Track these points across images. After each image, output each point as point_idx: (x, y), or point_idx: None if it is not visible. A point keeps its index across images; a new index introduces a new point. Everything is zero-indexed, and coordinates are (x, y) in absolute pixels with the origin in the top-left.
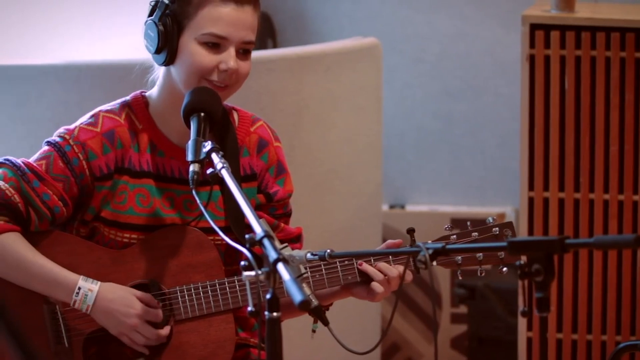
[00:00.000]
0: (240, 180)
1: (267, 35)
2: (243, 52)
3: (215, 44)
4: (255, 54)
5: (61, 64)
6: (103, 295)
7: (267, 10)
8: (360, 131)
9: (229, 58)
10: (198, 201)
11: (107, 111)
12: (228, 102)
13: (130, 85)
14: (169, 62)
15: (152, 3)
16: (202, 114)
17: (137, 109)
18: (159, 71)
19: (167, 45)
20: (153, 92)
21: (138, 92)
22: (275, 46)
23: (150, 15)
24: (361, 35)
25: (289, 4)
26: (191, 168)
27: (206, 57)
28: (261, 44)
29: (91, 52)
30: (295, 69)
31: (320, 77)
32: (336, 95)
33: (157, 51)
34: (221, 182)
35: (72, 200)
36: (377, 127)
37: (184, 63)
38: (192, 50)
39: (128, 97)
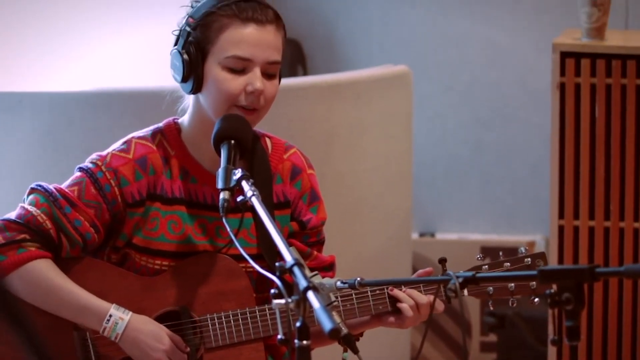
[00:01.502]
0: (273, 207)
1: (297, 62)
2: (269, 74)
3: (240, 67)
4: (285, 81)
5: (92, 90)
6: (134, 325)
7: (297, 37)
8: (391, 159)
9: (254, 79)
10: (228, 229)
11: (139, 137)
12: (259, 129)
13: (162, 111)
14: (196, 90)
15: (176, 32)
16: (232, 142)
17: (170, 135)
18: (189, 99)
19: (192, 73)
20: (185, 119)
21: (171, 118)
22: (305, 73)
23: (175, 44)
24: (392, 62)
25: (319, 30)
26: (221, 196)
27: (232, 82)
28: (291, 71)
29: (122, 78)
30: (326, 97)
31: (350, 104)
32: (366, 123)
33: (183, 80)
34: (252, 209)
35: (103, 227)
36: (407, 156)
37: (211, 90)
38: (216, 76)
39: (161, 124)
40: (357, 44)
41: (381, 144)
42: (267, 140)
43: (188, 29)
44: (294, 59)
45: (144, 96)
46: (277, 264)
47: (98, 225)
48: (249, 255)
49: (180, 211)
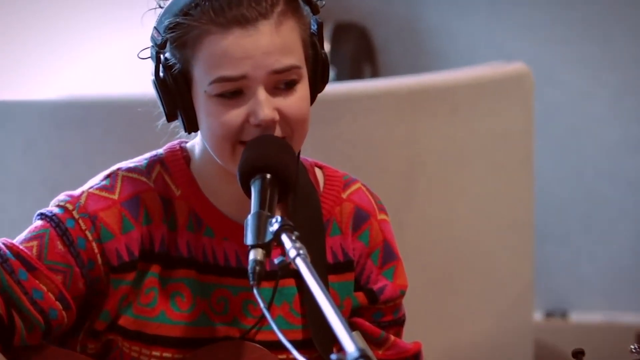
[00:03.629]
0: (327, 270)
1: (364, 58)
2: (285, 85)
3: (232, 89)
4: (347, 87)
5: (61, 99)
6: None
7: (363, 23)
8: (502, 199)
9: (257, 106)
10: (261, 304)
11: (129, 170)
12: (307, 154)
13: (162, 129)
14: (190, 128)
15: (145, 53)
16: (268, 176)
17: (174, 166)
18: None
19: (176, 109)
20: (195, 144)
21: (175, 142)
22: (375, 75)
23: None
24: (502, 59)
25: (395, 13)
26: (251, 256)
27: (227, 115)
28: (354, 71)
29: (104, 85)
30: (406, 109)
31: (442, 120)
32: (466, 146)
33: (168, 118)
34: (296, 275)
35: (75, 301)
36: (526, 194)
37: (204, 128)
38: (206, 109)
39: (160, 150)
40: (451, 33)
41: (489, 177)
42: (319, 172)
43: (156, 47)
44: (359, 54)
45: (135, 106)
46: (333, 356)
47: (68, 298)
48: (291, 342)
49: (189, 278)
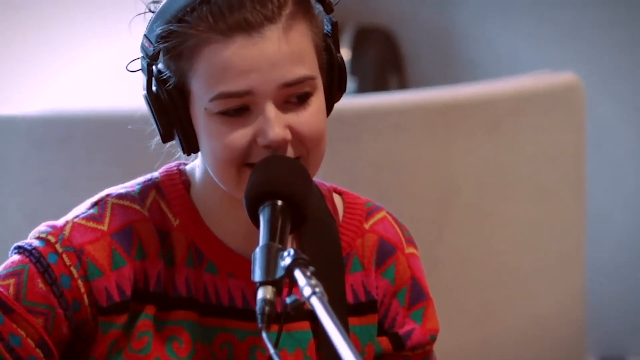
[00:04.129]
0: (346, 312)
1: (390, 67)
2: (297, 99)
3: (236, 105)
4: (370, 101)
5: (39, 115)
6: None
7: (389, 26)
8: (550, 230)
9: (265, 125)
10: (271, 349)
11: (119, 196)
12: (324, 178)
13: (156, 149)
14: (189, 149)
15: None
16: (279, 203)
17: (172, 192)
18: None
19: (172, 128)
20: (196, 167)
21: (173, 164)
22: (402, 86)
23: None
24: (550, 69)
25: (426, 16)
26: (260, 294)
27: (231, 136)
28: (379, 82)
29: (86, 97)
30: (439, 126)
31: (481, 139)
32: (508, 169)
33: (163, 139)
34: (311, 317)
35: (58, 347)
36: (577, 223)
37: (205, 150)
38: (207, 129)
39: (156, 173)
40: (490, 38)
41: (533, 205)
42: (337, 198)
43: (147, 59)
44: (385, 63)
45: (124, 123)
46: None
47: (49, 344)
48: None
49: (189, 320)
